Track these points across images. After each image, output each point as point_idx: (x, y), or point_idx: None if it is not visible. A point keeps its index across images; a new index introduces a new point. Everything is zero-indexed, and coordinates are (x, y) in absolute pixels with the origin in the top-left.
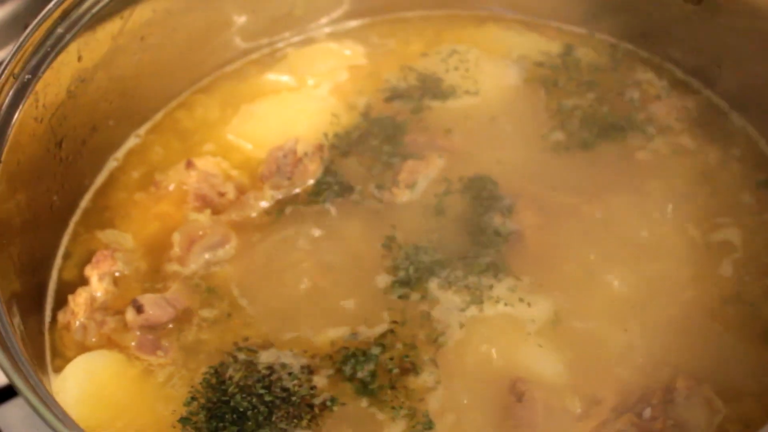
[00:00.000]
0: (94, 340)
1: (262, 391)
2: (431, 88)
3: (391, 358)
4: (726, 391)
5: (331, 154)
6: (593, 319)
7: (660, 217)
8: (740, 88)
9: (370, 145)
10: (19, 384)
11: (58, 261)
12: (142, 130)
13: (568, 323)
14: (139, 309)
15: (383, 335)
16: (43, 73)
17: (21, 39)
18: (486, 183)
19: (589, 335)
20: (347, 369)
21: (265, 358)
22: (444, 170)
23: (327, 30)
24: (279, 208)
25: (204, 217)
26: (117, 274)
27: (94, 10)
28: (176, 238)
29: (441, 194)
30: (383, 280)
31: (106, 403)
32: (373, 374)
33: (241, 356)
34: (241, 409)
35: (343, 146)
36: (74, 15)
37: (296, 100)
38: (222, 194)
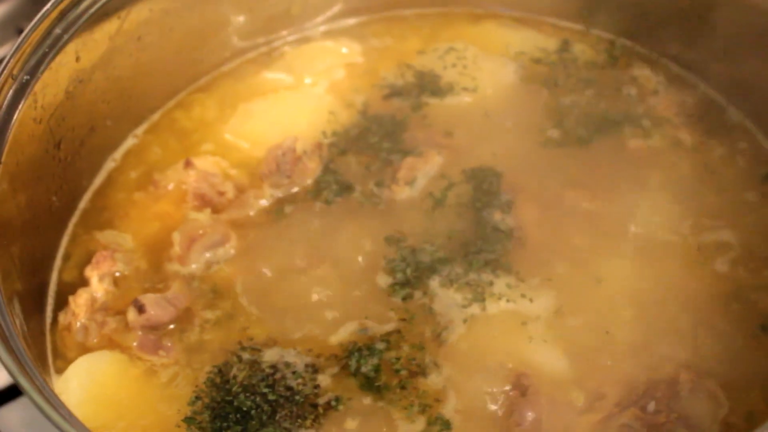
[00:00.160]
0: (95, 340)
1: (265, 390)
2: (429, 85)
3: (398, 359)
4: (730, 384)
5: (330, 152)
6: (595, 314)
7: (660, 211)
8: (737, 83)
9: (368, 142)
10: (26, 385)
11: (58, 262)
12: (140, 131)
13: (570, 318)
14: (140, 309)
15: (389, 333)
16: (42, 73)
17: (19, 39)
18: (487, 174)
19: (591, 330)
20: (352, 363)
21: (269, 357)
22: (443, 167)
23: (323, 28)
24: (279, 206)
25: (204, 216)
26: (117, 274)
27: (91, 11)
28: (176, 237)
29: (440, 191)
30: (385, 278)
31: (109, 404)
32: (377, 369)
33: (246, 355)
34: (245, 409)
35: (341, 144)
36: (72, 15)
37: (294, 99)
38: (221, 193)
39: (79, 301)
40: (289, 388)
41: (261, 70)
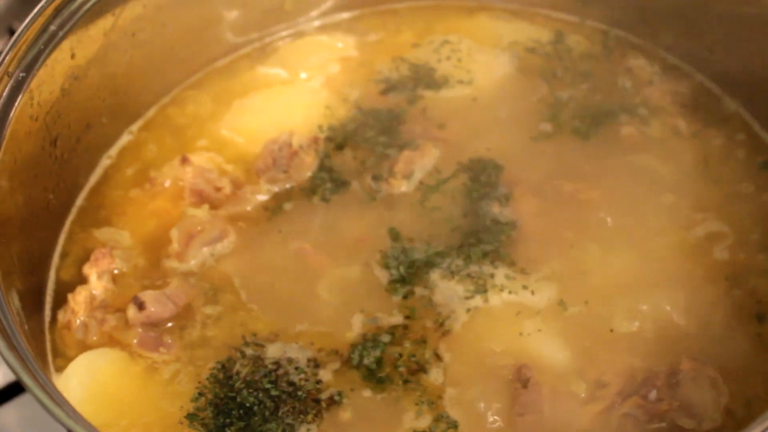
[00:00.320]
0: (95, 338)
1: (268, 386)
2: (424, 78)
3: (400, 355)
4: (731, 371)
5: (326, 147)
6: (596, 304)
7: (658, 200)
8: (733, 72)
9: (365, 136)
10: (29, 382)
11: (56, 260)
12: (135, 127)
13: (571, 309)
14: (140, 306)
15: (395, 327)
16: (38, 70)
17: (15, 36)
18: (485, 166)
19: (592, 320)
20: (355, 356)
21: (272, 352)
22: (440, 160)
23: (317, 23)
24: (276, 201)
25: (202, 212)
26: (116, 271)
27: (86, 7)
28: (174, 233)
29: (438, 184)
30: (385, 272)
31: (110, 402)
32: (379, 361)
33: (249, 351)
34: (248, 405)
35: (338, 138)
36: (66, 12)
37: (289, 94)
38: (218, 189)
39: (78, 299)
40: (291, 384)
41: (255, 66)
